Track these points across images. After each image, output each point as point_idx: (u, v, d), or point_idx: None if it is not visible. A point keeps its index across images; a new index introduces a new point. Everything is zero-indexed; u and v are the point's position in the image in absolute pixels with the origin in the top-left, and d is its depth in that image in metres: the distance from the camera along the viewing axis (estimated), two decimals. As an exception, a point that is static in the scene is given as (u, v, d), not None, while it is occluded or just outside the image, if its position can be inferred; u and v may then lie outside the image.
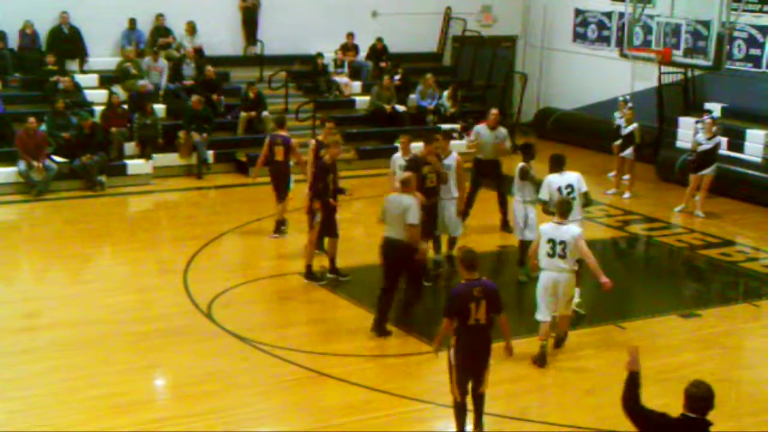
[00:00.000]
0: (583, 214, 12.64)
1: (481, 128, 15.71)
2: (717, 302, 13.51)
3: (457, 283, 9.02)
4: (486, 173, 15.75)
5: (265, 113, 20.48)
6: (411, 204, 11.40)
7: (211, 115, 19.90)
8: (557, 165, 12.29)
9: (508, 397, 10.12)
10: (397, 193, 11.70)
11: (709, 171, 17.28)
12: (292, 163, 15.34)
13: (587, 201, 12.54)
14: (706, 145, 17.33)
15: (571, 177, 12.20)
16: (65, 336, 11.39)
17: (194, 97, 19.66)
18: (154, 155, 19.15)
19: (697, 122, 18.75)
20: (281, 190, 15.30)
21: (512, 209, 13.95)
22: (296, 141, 15.57)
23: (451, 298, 8.90)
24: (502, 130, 15.63)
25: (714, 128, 17.36)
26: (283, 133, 15.28)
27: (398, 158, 13.86)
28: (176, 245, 15.14)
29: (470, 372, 8.88)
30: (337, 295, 12.96)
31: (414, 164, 12.87)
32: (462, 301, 8.70)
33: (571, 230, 10.68)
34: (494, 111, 15.71)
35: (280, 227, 15.50)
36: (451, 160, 13.50)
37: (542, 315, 10.87)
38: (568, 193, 11.98)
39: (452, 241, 13.89)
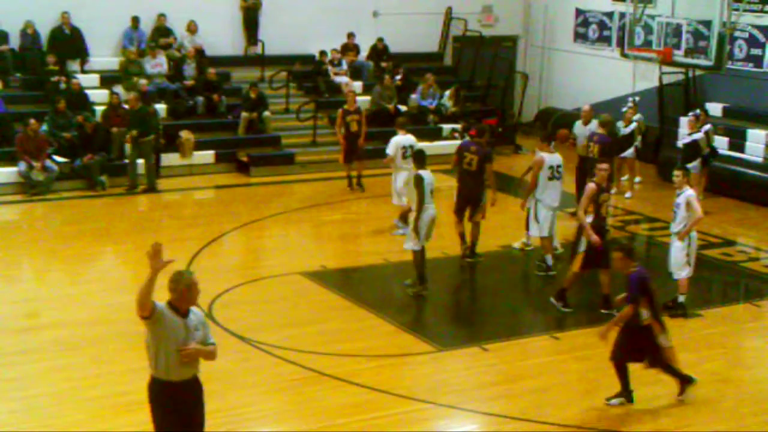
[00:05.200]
0: None
1: None
2: (718, 302, 13.50)
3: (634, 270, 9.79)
4: None
5: (266, 113, 20.49)
6: None
7: (151, 116, 18.66)
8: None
9: (508, 397, 10.14)
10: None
11: (693, 166, 17.24)
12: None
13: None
14: (686, 139, 17.72)
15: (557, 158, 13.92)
16: (65, 336, 11.39)
17: (132, 95, 18.76)
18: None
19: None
20: (350, 153, 18.37)
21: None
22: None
23: (641, 284, 9.70)
24: None
25: (707, 126, 17.59)
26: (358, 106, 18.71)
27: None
28: (176, 245, 15.12)
29: None
30: (338, 295, 12.95)
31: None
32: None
33: (686, 193, 12.21)
34: None
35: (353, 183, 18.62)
36: None
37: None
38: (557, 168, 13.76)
39: None
